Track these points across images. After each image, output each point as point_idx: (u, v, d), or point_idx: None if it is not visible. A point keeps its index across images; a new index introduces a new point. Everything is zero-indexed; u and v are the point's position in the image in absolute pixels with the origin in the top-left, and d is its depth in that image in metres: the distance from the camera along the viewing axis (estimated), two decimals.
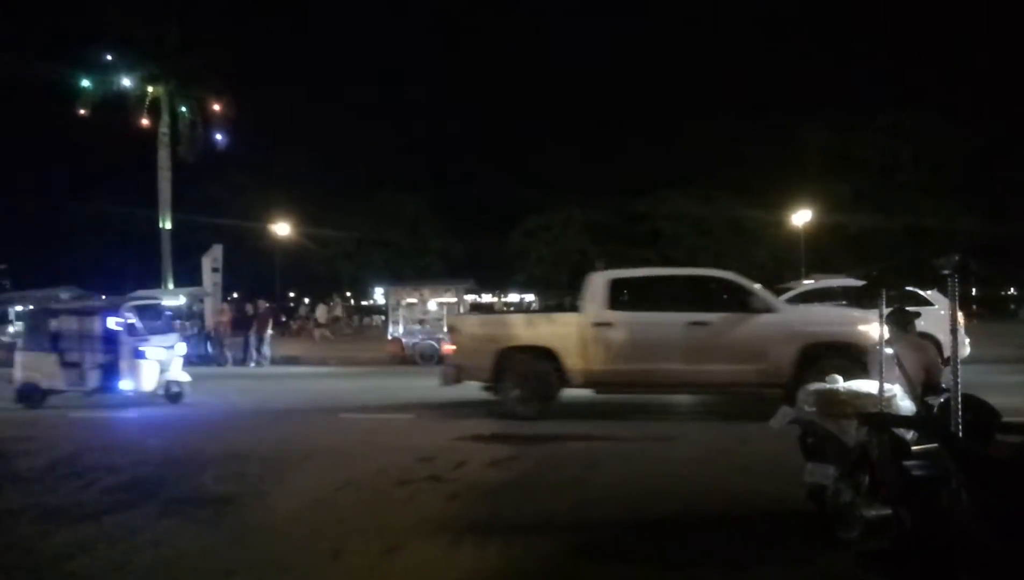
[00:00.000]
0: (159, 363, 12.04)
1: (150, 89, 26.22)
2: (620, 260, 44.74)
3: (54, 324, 12.43)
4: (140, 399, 12.09)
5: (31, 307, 15.07)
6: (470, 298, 24.77)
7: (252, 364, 19.22)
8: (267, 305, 21.81)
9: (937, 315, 13.04)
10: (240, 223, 39.39)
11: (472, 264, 43.51)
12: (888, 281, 5.09)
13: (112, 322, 12.10)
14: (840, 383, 5.02)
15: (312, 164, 46.08)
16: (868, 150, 35.90)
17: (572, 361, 9.89)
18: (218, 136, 27.77)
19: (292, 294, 47.82)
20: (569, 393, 10.46)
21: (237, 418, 10.67)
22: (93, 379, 12.07)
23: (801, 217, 32.33)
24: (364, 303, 48.17)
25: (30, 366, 12.23)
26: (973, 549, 3.38)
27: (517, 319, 11.28)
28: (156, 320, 14.27)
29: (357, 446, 8.26)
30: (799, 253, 32.62)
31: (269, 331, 20.05)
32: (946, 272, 3.61)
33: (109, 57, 25.85)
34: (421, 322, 19.73)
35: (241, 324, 20.33)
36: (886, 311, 5.15)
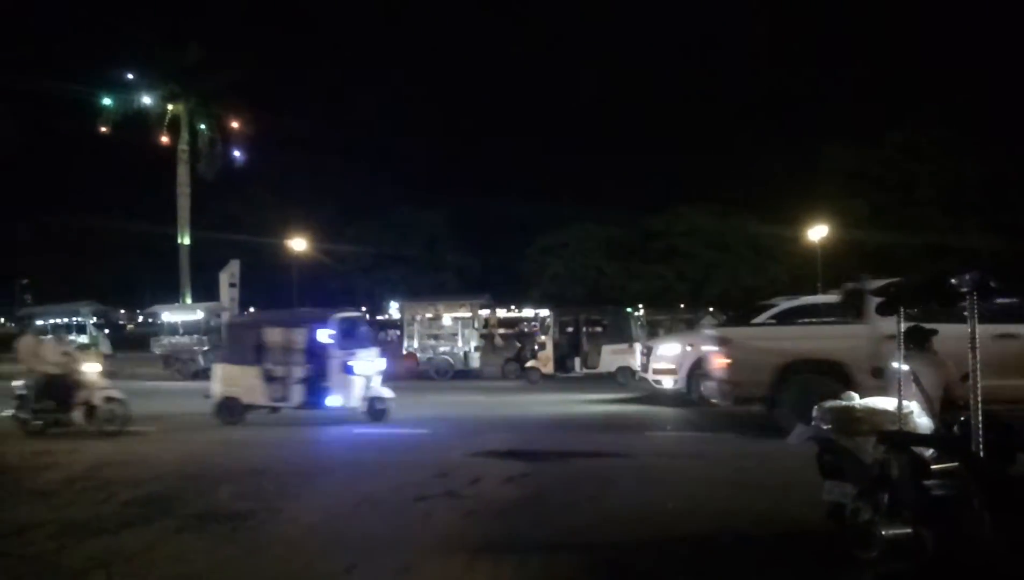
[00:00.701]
0: (365, 378, 11.33)
1: (170, 107, 26.65)
2: (636, 276, 44.77)
3: (257, 336, 11.54)
4: (341, 416, 11.37)
5: (230, 317, 14.73)
6: (484, 313, 24.82)
7: None
8: None
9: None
10: (257, 239, 39.74)
11: (487, 280, 43.64)
12: (906, 298, 5.05)
13: (322, 335, 11.36)
14: (856, 400, 4.98)
15: (329, 181, 46.58)
16: (884, 168, 35.69)
17: (862, 375, 9.01)
18: (236, 153, 28.13)
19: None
20: (584, 409, 10.43)
21: (255, 433, 10.69)
22: (298, 394, 11.25)
23: (818, 233, 32.12)
24: (379, 318, 48.32)
25: (230, 380, 11.48)
26: (996, 570, 3.33)
27: (800, 331, 10.74)
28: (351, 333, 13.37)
29: (372, 462, 8.27)
30: (816, 269, 32.37)
31: None
32: (965, 289, 3.59)
33: (130, 76, 26.32)
34: (435, 337, 19.77)
35: None
36: (903, 328, 5.10)
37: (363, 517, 6.02)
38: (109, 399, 10.51)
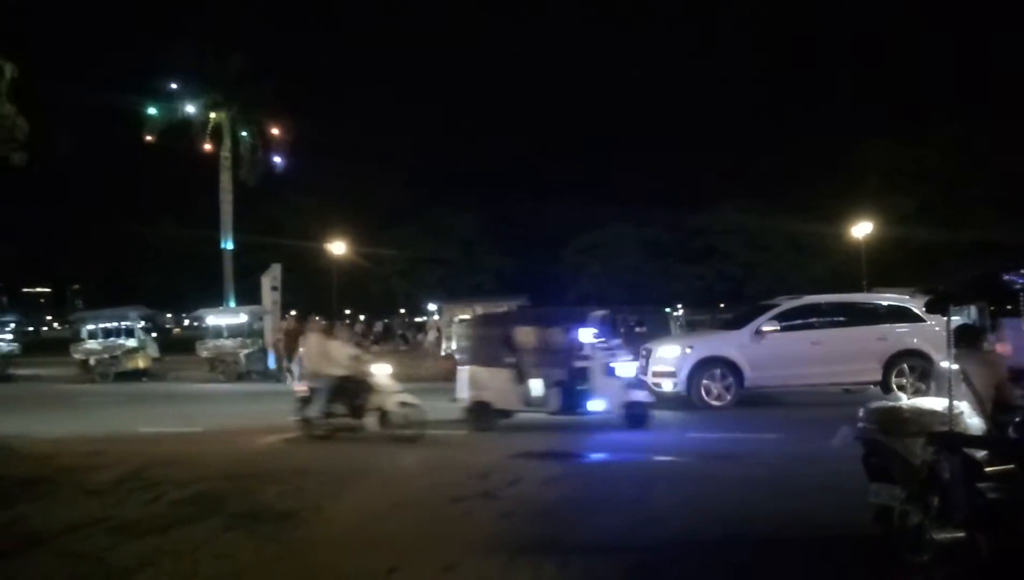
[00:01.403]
0: (625, 382, 10.42)
1: (213, 115, 27.23)
2: (675, 277, 44.37)
3: (507, 336, 10.72)
4: (596, 421, 10.54)
5: (477, 315, 13.27)
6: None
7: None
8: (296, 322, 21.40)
9: (931, 331, 12.10)
10: (298, 243, 40.38)
11: (525, 281, 43.60)
12: (957, 296, 4.92)
13: (584, 334, 10.70)
14: (904, 400, 4.85)
15: (367, 184, 46.98)
16: (931, 163, 34.75)
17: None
18: (277, 159, 28.63)
19: (348, 312, 48.64)
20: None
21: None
22: (555, 399, 10.29)
23: (862, 230, 31.40)
24: (417, 320, 48.72)
25: (480, 383, 10.67)
26: None
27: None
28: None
29: (412, 463, 8.34)
30: (859, 267, 31.67)
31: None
32: (1017, 286, 3.48)
33: (175, 86, 26.97)
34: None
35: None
36: (954, 326, 4.96)
37: (403, 517, 6.06)
38: (403, 404, 9.80)
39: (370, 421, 9.83)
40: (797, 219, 39.84)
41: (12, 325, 29.42)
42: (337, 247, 40.57)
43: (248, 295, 26.78)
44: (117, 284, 45.16)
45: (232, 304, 26.69)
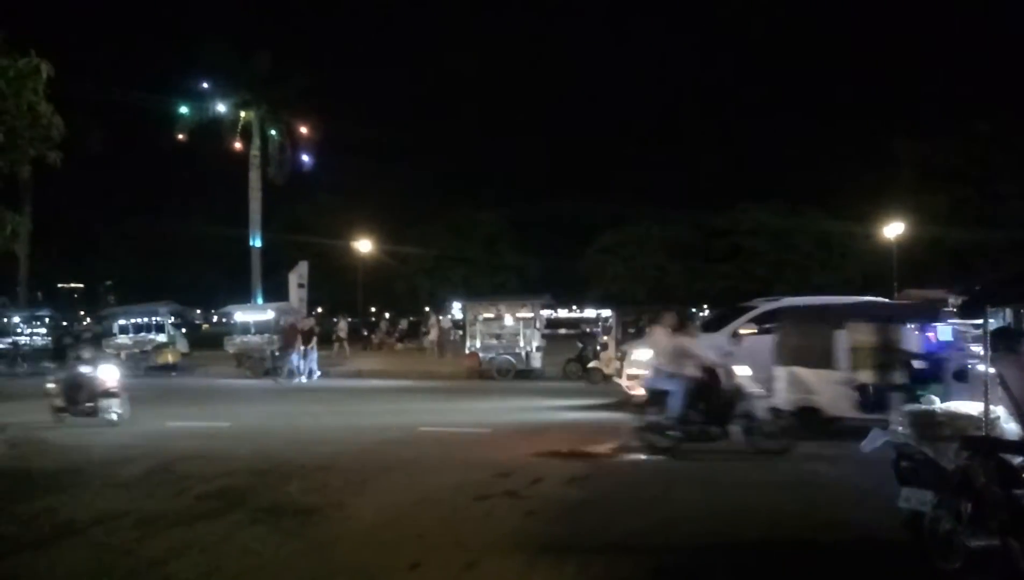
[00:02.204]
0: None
1: (242, 114, 27.53)
2: (700, 276, 44.04)
3: (834, 333, 9.59)
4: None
5: (795, 307, 11.78)
6: (546, 313, 24.79)
7: (296, 379, 18.81)
8: (305, 320, 21.21)
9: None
10: (324, 240, 40.71)
11: (547, 280, 43.57)
12: (993, 296, 4.79)
13: (942, 332, 10.01)
14: (937, 404, 4.75)
15: (393, 183, 47.32)
16: (966, 161, 33.98)
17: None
18: (305, 157, 28.88)
19: (373, 309, 48.99)
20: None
21: (322, 431, 10.92)
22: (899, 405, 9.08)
23: (893, 230, 30.84)
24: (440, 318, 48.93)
25: (804, 386, 9.51)
26: None
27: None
28: None
29: (435, 460, 8.35)
30: (891, 267, 31.13)
31: (306, 346, 19.43)
32: None
33: (205, 85, 27.32)
34: (497, 337, 19.83)
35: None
36: (991, 329, 4.84)
37: (425, 514, 6.07)
38: (774, 411, 8.74)
39: (735, 430, 8.61)
40: (826, 218, 39.31)
41: (46, 319, 30.06)
42: (363, 245, 40.89)
43: (275, 292, 27.07)
44: (148, 280, 45.90)
45: (260, 301, 26.97)
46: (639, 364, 11.75)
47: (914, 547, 4.60)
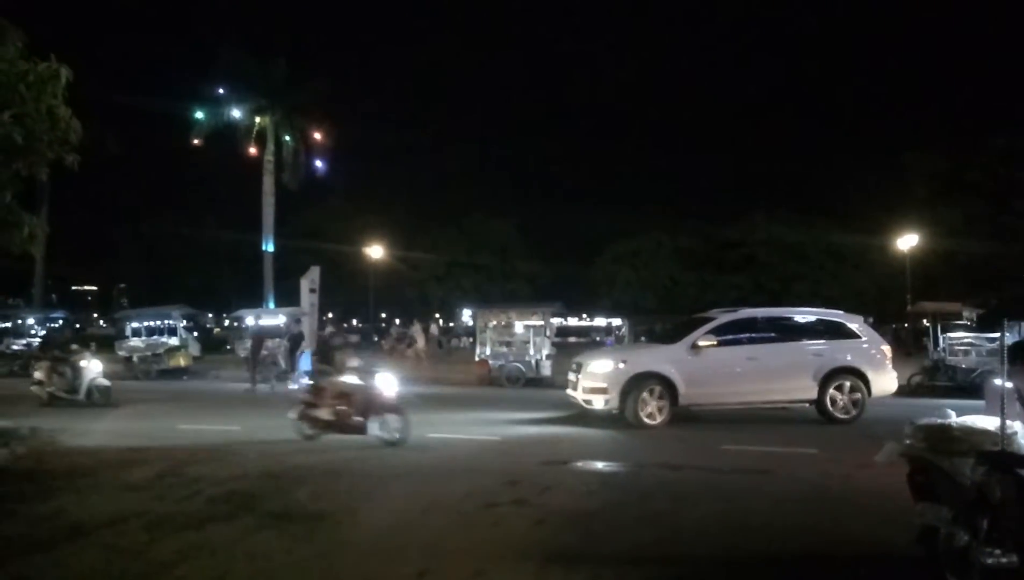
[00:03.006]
0: None
1: (257, 120, 27.76)
2: (711, 286, 43.88)
3: None
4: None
5: None
6: (556, 321, 24.77)
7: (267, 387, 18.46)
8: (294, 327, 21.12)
9: (865, 348, 12.21)
10: (336, 246, 40.88)
11: (559, 288, 43.60)
12: (1011, 310, 4.75)
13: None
14: (953, 418, 4.69)
15: (406, 189, 47.53)
16: (980, 175, 33.76)
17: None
18: (319, 163, 29.06)
19: (384, 315, 49.12)
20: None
21: (330, 436, 10.90)
22: None
23: (907, 242, 30.65)
24: (452, 325, 48.99)
25: None
26: None
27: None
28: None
29: (443, 467, 8.33)
30: (904, 280, 30.92)
31: (297, 353, 19.36)
32: None
33: (221, 91, 27.58)
34: (508, 345, 19.83)
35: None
36: (1008, 343, 4.79)
37: (434, 522, 6.05)
38: None
39: None
40: (839, 230, 39.13)
41: (61, 321, 30.32)
42: (374, 251, 41.04)
43: (287, 297, 27.17)
44: (161, 284, 46.22)
45: (271, 305, 27.10)
46: (596, 377, 11.46)
47: (928, 563, 4.54)
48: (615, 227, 47.03)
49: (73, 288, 66.86)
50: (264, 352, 20.44)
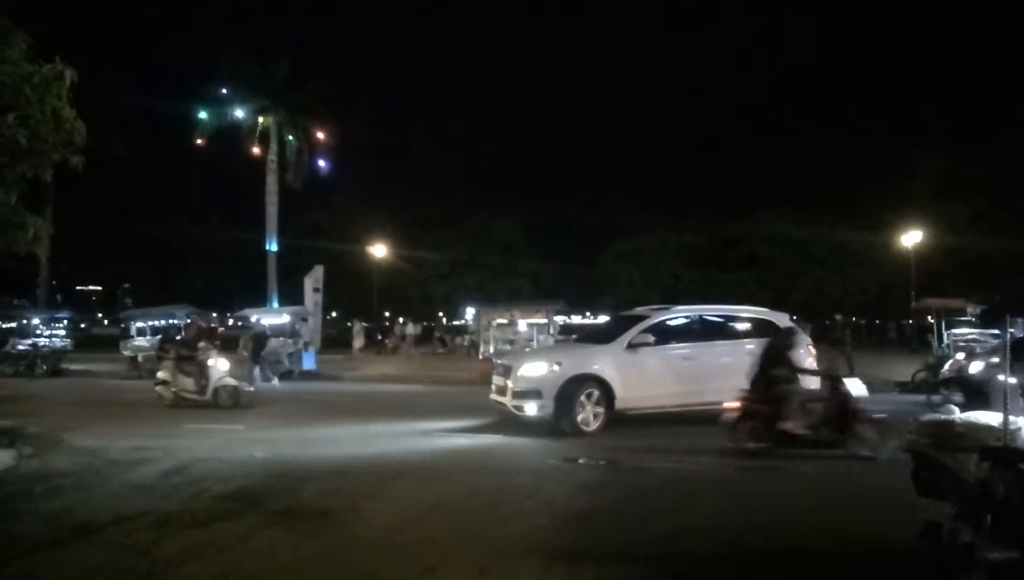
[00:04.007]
0: None
1: (260, 120, 27.79)
2: (715, 284, 43.87)
3: None
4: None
5: None
6: (560, 320, 24.80)
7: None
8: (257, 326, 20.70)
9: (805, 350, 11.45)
10: (340, 246, 40.93)
11: (562, 287, 43.61)
12: (1014, 306, 4.75)
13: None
14: (956, 414, 4.70)
15: (409, 188, 47.57)
16: (985, 172, 33.70)
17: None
18: (322, 162, 29.08)
19: (387, 314, 49.20)
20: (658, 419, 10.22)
21: (335, 434, 10.96)
22: None
23: (911, 239, 30.59)
24: (456, 323, 49.04)
25: None
26: None
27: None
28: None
29: (448, 466, 8.36)
30: (909, 276, 30.87)
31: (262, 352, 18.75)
32: None
33: (224, 91, 27.61)
34: (511, 342, 19.88)
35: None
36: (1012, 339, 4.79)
37: (440, 519, 6.08)
38: None
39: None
40: (843, 227, 39.08)
41: (65, 322, 30.38)
42: (378, 250, 41.09)
43: (291, 296, 27.25)
44: (165, 284, 46.37)
45: (275, 304, 27.15)
46: (528, 380, 10.57)
47: (931, 559, 4.55)
48: (618, 225, 47.04)
49: (78, 288, 67.12)
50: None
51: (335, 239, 41.27)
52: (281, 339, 21.93)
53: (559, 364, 10.65)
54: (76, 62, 8.00)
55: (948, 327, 18.74)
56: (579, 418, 10.27)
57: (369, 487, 7.17)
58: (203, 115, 27.35)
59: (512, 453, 9.18)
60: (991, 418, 4.58)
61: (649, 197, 60.70)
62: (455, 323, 38.11)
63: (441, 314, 50.05)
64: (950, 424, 4.54)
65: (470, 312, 35.85)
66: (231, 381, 13.92)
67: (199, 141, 27.50)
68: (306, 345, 21.82)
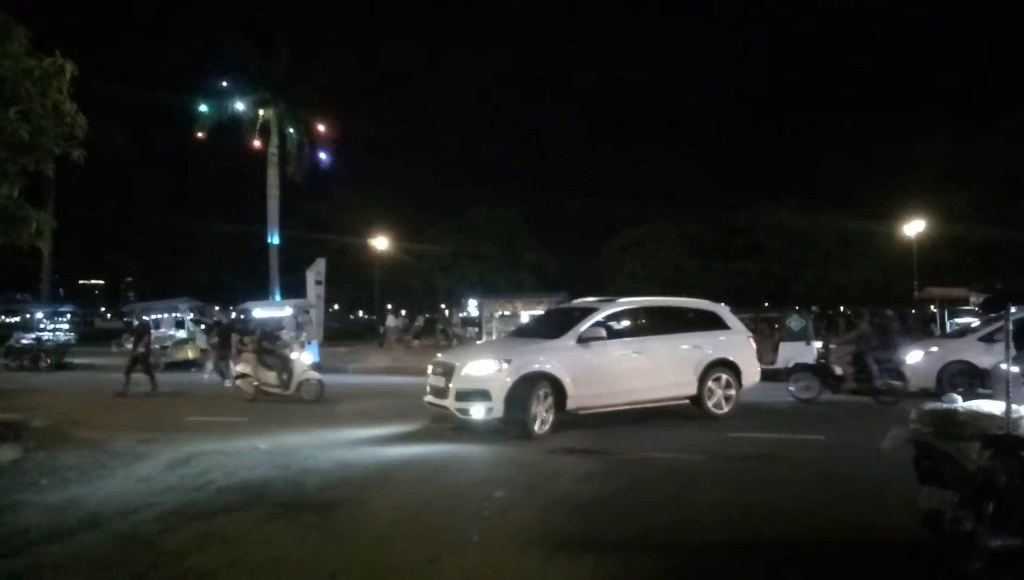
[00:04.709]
0: None
1: (261, 112, 27.72)
2: (717, 274, 43.85)
3: None
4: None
5: None
6: None
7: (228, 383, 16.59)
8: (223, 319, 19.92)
9: (739, 339, 11.57)
10: (342, 238, 40.91)
11: (564, 278, 43.62)
12: (1016, 295, 4.75)
13: None
14: (959, 402, 4.70)
15: (410, 180, 47.55)
16: (990, 157, 33.53)
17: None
18: (323, 155, 29.02)
19: (390, 306, 49.27)
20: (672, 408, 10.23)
21: (339, 425, 10.98)
22: None
23: (914, 228, 30.51)
24: (462, 315, 49.13)
25: None
26: None
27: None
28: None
29: (451, 456, 8.39)
30: (911, 265, 30.81)
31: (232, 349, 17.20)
32: None
33: (225, 84, 27.53)
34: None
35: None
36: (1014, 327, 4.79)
37: (443, 510, 6.10)
38: None
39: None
40: (847, 216, 39.03)
41: (69, 315, 30.47)
42: (380, 242, 41.09)
43: (293, 289, 27.26)
44: (167, 277, 46.41)
45: (278, 298, 27.17)
46: (474, 380, 9.50)
47: (934, 546, 4.57)
48: (621, 216, 47.03)
49: (80, 282, 67.22)
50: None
51: (337, 232, 41.28)
52: (289, 333, 21.95)
53: (508, 361, 9.56)
54: (76, 56, 8.00)
55: (951, 316, 18.75)
56: (531, 420, 9.30)
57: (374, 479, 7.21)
58: (203, 108, 27.27)
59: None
60: (994, 406, 4.58)
61: (652, 188, 60.64)
62: (462, 315, 38.08)
63: (444, 306, 50.12)
64: (952, 412, 4.54)
65: (472, 304, 35.85)
66: (315, 375, 13.85)
67: (199, 134, 27.42)
68: (308, 339, 21.83)
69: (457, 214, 48.02)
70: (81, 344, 25.79)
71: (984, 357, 12.49)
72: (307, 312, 22.61)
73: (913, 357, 13.68)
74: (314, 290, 24.18)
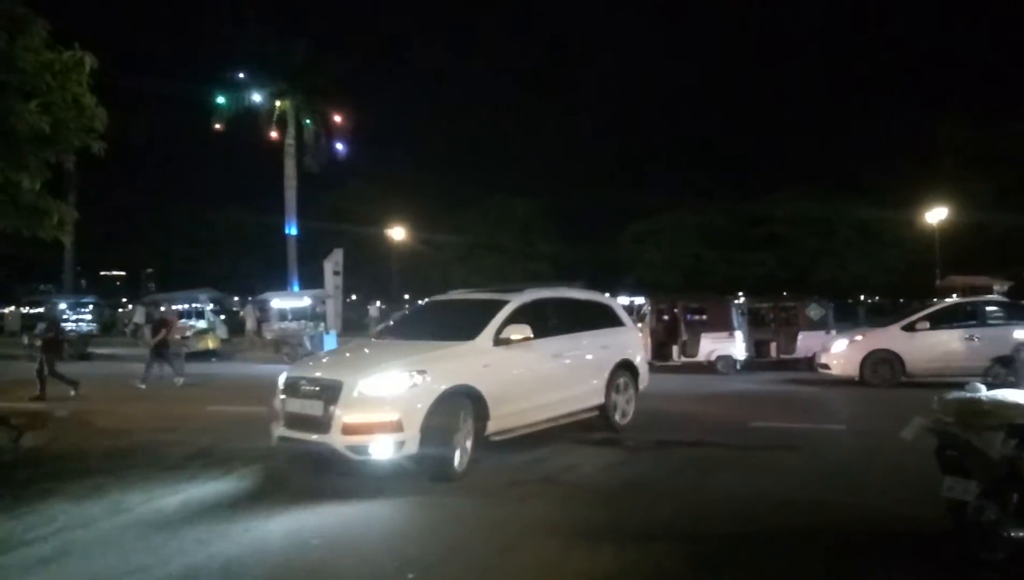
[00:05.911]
0: None
1: (278, 104, 27.86)
2: (735, 264, 43.54)
3: None
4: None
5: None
6: None
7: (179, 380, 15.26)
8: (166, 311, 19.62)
9: (636, 337, 10.31)
10: (359, 228, 41.07)
11: (581, 268, 43.50)
12: None
13: None
14: (983, 391, 4.63)
15: (427, 170, 47.60)
16: (1013, 145, 32.94)
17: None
18: (340, 146, 29.14)
19: (407, 296, 49.45)
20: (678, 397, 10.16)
21: None
22: None
23: (936, 216, 30.07)
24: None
25: None
26: None
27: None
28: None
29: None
30: (933, 255, 30.40)
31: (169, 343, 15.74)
32: None
33: (242, 76, 27.69)
34: None
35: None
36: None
37: (461, 499, 6.12)
38: None
39: None
40: (867, 205, 38.57)
41: (91, 306, 30.88)
42: (397, 233, 41.20)
43: (311, 279, 27.42)
44: (188, 268, 46.87)
45: (296, 288, 27.37)
46: (380, 404, 6.50)
47: (957, 537, 4.52)
48: (639, 205, 46.74)
49: (102, 273, 68.06)
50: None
51: (354, 222, 41.44)
52: (302, 322, 22.12)
53: (423, 373, 6.71)
54: (95, 48, 8.05)
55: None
56: (452, 453, 6.72)
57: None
58: (221, 100, 27.48)
59: None
60: (1018, 395, 4.51)
61: (670, 177, 60.19)
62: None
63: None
64: (976, 402, 4.48)
65: None
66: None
67: (218, 126, 27.64)
68: (326, 327, 21.99)
69: (474, 204, 48.01)
70: (103, 334, 26.10)
71: (906, 346, 12.87)
72: (324, 302, 22.76)
73: (838, 346, 13.75)
74: (332, 280, 24.30)
